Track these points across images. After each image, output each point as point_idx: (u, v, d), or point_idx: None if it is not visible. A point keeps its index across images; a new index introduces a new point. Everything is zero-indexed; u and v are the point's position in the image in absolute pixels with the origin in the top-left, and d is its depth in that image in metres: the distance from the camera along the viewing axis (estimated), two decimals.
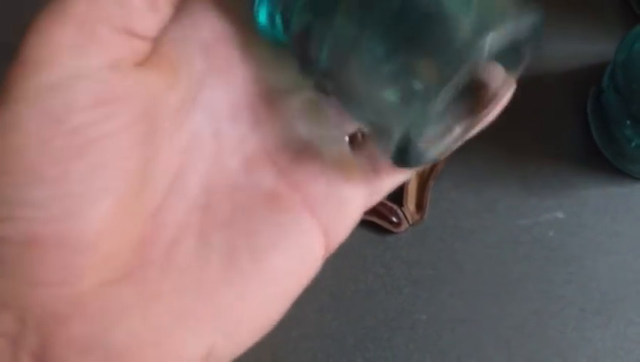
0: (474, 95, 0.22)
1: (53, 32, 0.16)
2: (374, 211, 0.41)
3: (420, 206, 0.42)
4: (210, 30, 0.20)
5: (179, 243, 0.19)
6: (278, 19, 0.20)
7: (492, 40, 0.18)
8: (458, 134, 0.22)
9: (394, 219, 0.41)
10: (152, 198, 0.19)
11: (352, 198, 0.21)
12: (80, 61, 0.17)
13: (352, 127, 0.23)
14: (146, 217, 0.19)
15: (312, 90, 0.22)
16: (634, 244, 0.42)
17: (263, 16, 0.20)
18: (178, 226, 0.19)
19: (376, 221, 0.41)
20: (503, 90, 0.22)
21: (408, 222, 0.41)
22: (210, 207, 0.20)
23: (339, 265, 0.41)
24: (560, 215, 0.42)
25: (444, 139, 0.22)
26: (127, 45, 0.17)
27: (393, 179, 0.22)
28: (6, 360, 0.17)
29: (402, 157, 0.20)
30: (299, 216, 0.20)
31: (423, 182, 0.42)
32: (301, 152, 0.21)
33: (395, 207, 0.41)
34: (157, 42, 0.19)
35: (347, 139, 0.23)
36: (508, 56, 0.20)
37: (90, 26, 0.17)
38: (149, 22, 0.18)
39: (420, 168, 0.21)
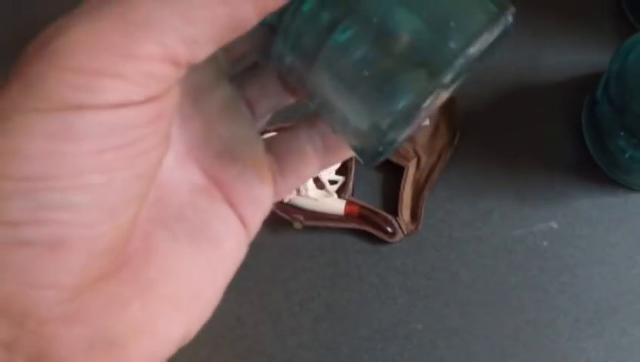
0: None
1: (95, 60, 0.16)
2: (369, 221, 0.41)
3: (414, 216, 0.42)
4: None
5: (151, 234, 0.20)
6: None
7: (474, 49, 0.19)
8: (422, 118, 0.23)
9: (389, 230, 0.41)
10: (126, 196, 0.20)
11: (265, 197, 0.23)
12: (145, 89, 0.17)
13: (264, 126, 0.25)
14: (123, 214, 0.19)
15: (230, 87, 0.23)
16: (627, 254, 0.42)
17: None
18: (146, 219, 0.20)
19: (371, 231, 0.41)
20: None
21: (403, 233, 0.42)
22: (162, 201, 0.21)
23: (333, 275, 0.41)
24: (554, 225, 0.42)
25: (410, 127, 0.22)
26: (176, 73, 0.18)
27: (297, 178, 0.25)
28: None
29: (371, 151, 0.21)
30: (226, 210, 0.22)
31: (418, 192, 0.42)
32: (220, 151, 0.23)
33: (389, 217, 0.41)
34: None
35: (262, 138, 0.24)
36: (482, 53, 0.21)
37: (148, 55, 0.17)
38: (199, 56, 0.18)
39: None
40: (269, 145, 0.24)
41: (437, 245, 0.42)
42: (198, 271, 0.21)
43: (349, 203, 0.42)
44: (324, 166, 0.25)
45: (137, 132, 0.17)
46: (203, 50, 0.18)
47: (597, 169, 0.43)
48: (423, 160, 0.43)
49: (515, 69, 0.45)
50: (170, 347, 0.20)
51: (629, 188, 0.43)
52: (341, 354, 0.41)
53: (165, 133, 0.19)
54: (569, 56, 0.46)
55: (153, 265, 0.19)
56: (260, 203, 0.23)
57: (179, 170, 0.22)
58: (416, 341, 0.41)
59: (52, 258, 0.17)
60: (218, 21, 0.17)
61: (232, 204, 0.22)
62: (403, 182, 0.42)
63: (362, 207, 0.42)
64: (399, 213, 0.42)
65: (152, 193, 0.20)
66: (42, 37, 0.17)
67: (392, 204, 0.42)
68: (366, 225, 0.41)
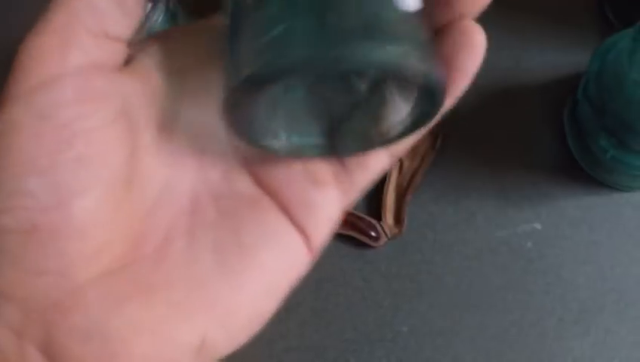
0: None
1: (39, 39, 0.19)
2: (353, 226, 0.42)
3: (398, 220, 0.42)
4: (183, 55, 0.22)
5: (169, 241, 0.20)
6: None
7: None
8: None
9: (373, 234, 0.42)
10: (141, 202, 0.20)
11: (325, 201, 0.22)
12: (62, 62, 0.18)
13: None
14: (137, 218, 0.20)
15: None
16: (611, 253, 0.42)
17: None
18: (167, 228, 0.21)
19: (355, 235, 0.42)
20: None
21: (387, 236, 0.42)
22: (197, 212, 0.21)
23: (319, 280, 0.42)
24: (537, 226, 0.43)
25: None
26: (103, 48, 0.19)
27: (365, 173, 0.23)
28: (11, 351, 0.18)
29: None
30: (278, 219, 0.22)
31: (401, 195, 0.43)
32: (273, 160, 0.22)
33: (373, 221, 0.42)
34: (134, 54, 0.21)
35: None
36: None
37: (69, 33, 0.19)
38: (121, 24, 0.20)
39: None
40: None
41: (421, 248, 0.43)
42: (218, 281, 0.20)
43: None
44: (393, 155, 0.23)
45: (70, 111, 0.18)
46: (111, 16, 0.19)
47: (580, 169, 0.43)
48: (406, 164, 0.43)
49: (498, 70, 0.46)
50: (184, 352, 0.19)
51: (612, 187, 0.43)
52: (328, 358, 0.41)
53: (106, 119, 0.19)
54: (551, 57, 0.46)
55: (162, 270, 0.20)
56: (317, 208, 0.22)
57: (225, 185, 0.22)
58: (402, 343, 0.41)
59: (29, 244, 0.18)
60: None
61: (286, 212, 0.22)
62: (386, 186, 0.43)
63: (346, 212, 0.42)
64: (383, 217, 0.42)
65: (186, 207, 0.21)
66: None
67: (375, 209, 0.43)
68: (350, 230, 0.42)
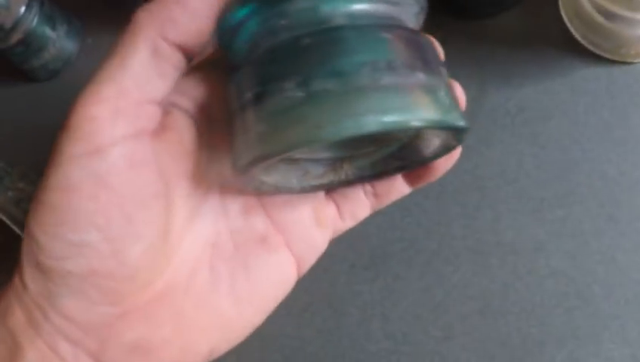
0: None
1: (91, 109, 0.22)
2: None
3: None
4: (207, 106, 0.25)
5: (196, 272, 0.25)
6: (246, 33, 0.22)
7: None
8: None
9: None
10: (176, 244, 0.24)
11: (322, 240, 0.28)
12: (112, 132, 0.22)
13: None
14: (172, 256, 0.24)
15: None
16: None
17: (235, 19, 0.22)
18: (194, 259, 0.25)
19: None
20: None
21: None
22: (217, 245, 0.25)
23: None
24: None
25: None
26: (144, 114, 0.23)
27: (353, 221, 0.28)
28: (69, 357, 0.22)
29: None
30: (282, 254, 0.26)
31: None
32: (286, 201, 0.27)
33: None
34: (164, 113, 0.24)
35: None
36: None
37: (117, 104, 0.22)
38: (161, 89, 0.23)
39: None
40: (329, 192, 0.28)
41: None
42: (230, 308, 0.25)
43: None
44: (375, 209, 0.29)
45: (121, 177, 0.22)
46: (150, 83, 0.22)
47: None
48: None
49: None
50: (197, 360, 0.25)
51: None
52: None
53: (150, 178, 0.23)
54: None
55: (190, 298, 0.24)
56: (316, 245, 0.27)
57: (241, 219, 0.26)
58: None
59: (90, 283, 0.22)
60: (144, 57, 0.22)
61: (290, 246, 0.26)
62: None
63: None
64: None
65: (210, 238, 0.25)
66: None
67: None
68: None
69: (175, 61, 0.23)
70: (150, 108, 0.23)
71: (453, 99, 0.21)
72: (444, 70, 0.22)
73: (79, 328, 0.22)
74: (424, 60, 0.21)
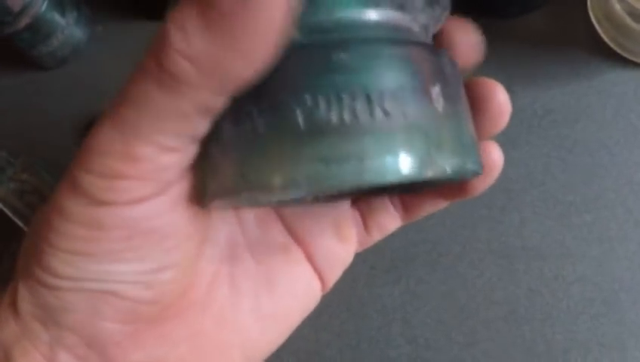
0: None
1: (128, 167, 0.19)
2: None
3: None
4: None
5: (214, 288, 0.23)
6: None
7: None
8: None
9: None
10: (191, 252, 0.23)
11: (345, 254, 0.26)
12: (141, 192, 0.19)
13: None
14: (193, 272, 0.23)
15: None
16: None
17: None
18: (212, 275, 0.23)
19: None
20: None
21: None
22: (236, 259, 0.24)
23: None
24: None
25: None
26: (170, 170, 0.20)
27: (381, 233, 0.26)
28: None
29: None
30: (304, 268, 0.25)
31: None
32: (306, 212, 0.25)
33: None
34: None
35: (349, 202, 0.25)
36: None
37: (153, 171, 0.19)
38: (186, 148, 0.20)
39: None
40: (355, 201, 0.26)
41: None
42: (253, 325, 0.23)
43: None
44: (405, 222, 0.26)
45: (156, 221, 0.20)
46: (186, 137, 0.19)
47: None
48: None
49: None
50: None
51: None
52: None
53: (182, 219, 0.20)
54: None
55: (209, 316, 0.23)
56: (339, 260, 0.25)
57: (259, 231, 0.24)
58: None
59: (104, 300, 0.20)
60: (186, 113, 0.18)
61: (311, 261, 0.25)
62: None
63: None
64: None
65: (226, 251, 0.23)
66: None
67: None
68: None
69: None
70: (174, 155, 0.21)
71: (473, 135, 0.20)
72: (463, 92, 0.20)
73: (84, 342, 0.21)
74: (443, 83, 0.19)
